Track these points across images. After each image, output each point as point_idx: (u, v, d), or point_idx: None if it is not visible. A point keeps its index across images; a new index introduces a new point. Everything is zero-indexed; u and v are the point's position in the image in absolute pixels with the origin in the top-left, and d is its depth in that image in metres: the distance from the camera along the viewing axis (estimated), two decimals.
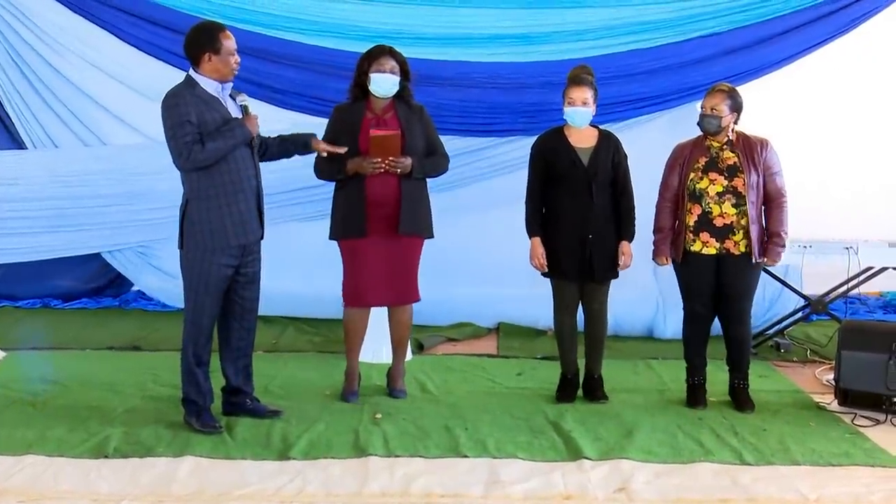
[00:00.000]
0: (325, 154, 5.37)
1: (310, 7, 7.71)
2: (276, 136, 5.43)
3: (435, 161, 5.65)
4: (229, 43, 4.94)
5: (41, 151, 8.07)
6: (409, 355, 6.50)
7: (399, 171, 5.42)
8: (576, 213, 5.50)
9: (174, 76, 5.07)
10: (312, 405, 5.50)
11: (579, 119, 5.49)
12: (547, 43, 7.68)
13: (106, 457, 4.68)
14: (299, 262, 7.03)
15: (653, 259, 5.66)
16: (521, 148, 7.34)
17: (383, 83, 5.45)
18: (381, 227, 5.47)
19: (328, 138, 5.50)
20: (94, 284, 8.48)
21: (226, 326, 5.23)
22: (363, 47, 7.52)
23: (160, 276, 8.13)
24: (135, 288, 8.50)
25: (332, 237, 5.62)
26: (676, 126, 7.29)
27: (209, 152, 4.84)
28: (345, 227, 5.51)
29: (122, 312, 8.17)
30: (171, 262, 7.97)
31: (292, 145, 5.42)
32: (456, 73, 7.62)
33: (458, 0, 7.64)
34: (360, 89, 5.53)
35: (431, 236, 5.71)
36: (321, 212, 7.62)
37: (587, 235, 5.48)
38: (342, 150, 5.35)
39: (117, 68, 7.92)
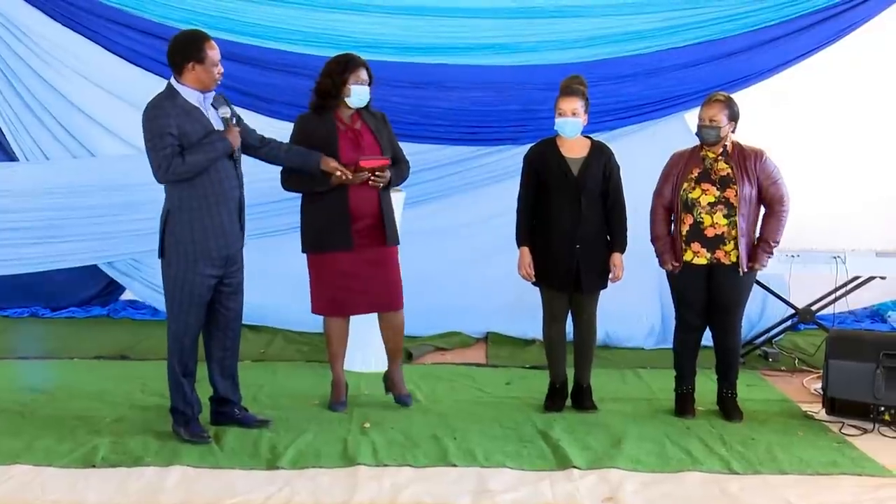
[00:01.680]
0: (339, 176, 5.31)
1: (298, 17, 7.68)
2: (279, 141, 5.39)
3: (401, 170, 5.70)
4: (213, 53, 4.91)
5: (32, 164, 8.05)
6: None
7: (381, 184, 5.45)
8: (564, 222, 5.51)
9: (163, 86, 5.05)
10: (301, 414, 5.49)
11: (568, 129, 5.50)
12: (536, 52, 7.68)
13: (94, 466, 4.67)
14: (285, 272, 6.99)
15: (661, 267, 5.67)
16: (509, 157, 7.36)
17: (363, 95, 5.46)
18: (362, 238, 5.48)
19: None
20: (83, 294, 8.45)
21: (210, 336, 5.23)
22: None
23: (151, 286, 8.13)
24: (123, 297, 8.49)
25: (311, 250, 5.57)
26: (662, 136, 7.34)
27: (189, 165, 4.82)
28: (329, 239, 5.47)
29: (111, 321, 8.15)
30: (160, 274, 7.99)
31: (298, 160, 5.36)
32: (443, 77, 7.62)
33: (446, 10, 7.63)
34: (331, 98, 5.48)
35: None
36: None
37: (575, 246, 5.49)
38: (350, 175, 5.33)
39: (106, 79, 7.89)
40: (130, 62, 7.84)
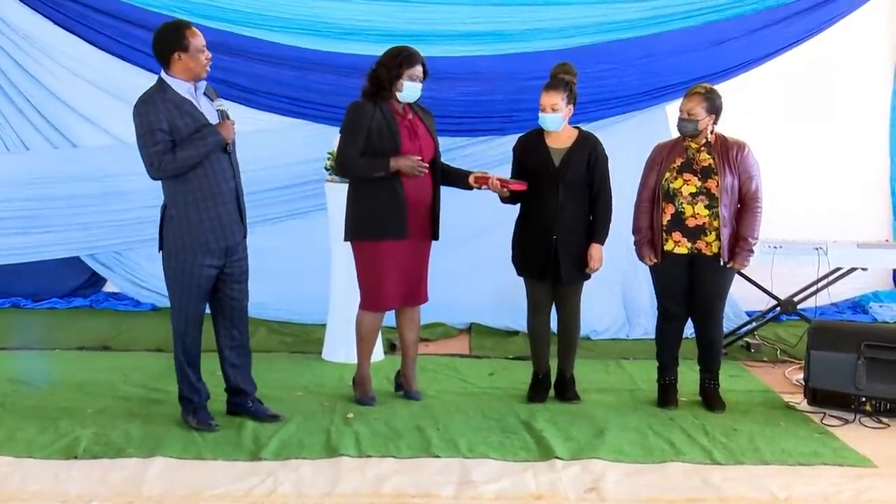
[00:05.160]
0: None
1: (280, 4, 7.65)
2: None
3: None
4: (197, 40, 4.84)
5: (12, 154, 8.00)
6: (381, 355, 6.50)
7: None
8: (543, 213, 5.50)
9: (143, 76, 5.01)
10: (284, 405, 5.47)
11: (548, 124, 5.48)
12: (521, 41, 7.67)
13: (76, 458, 4.65)
14: (268, 263, 6.95)
15: (639, 260, 5.69)
16: (494, 148, 7.35)
17: (413, 91, 5.42)
18: (413, 229, 5.44)
19: (360, 136, 5.35)
20: (65, 284, 8.40)
21: (219, 327, 5.21)
22: (335, 44, 7.49)
23: (133, 279, 8.10)
24: (105, 288, 8.45)
25: (362, 238, 5.48)
26: (645, 128, 7.34)
27: (180, 161, 4.78)
28: (383, 227, 5.39)
29: (93, 312, 8.10)
30: (142, 267, 7.96)
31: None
32: (428, 67, 7.59)
33: None
34: (384, 89, 5.41)
35: None
36: (290, 212, 7.60)
37: (552, 235, 5.49)
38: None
39: (87, 70, 7.84)
40: (111, 52, 7.80)
